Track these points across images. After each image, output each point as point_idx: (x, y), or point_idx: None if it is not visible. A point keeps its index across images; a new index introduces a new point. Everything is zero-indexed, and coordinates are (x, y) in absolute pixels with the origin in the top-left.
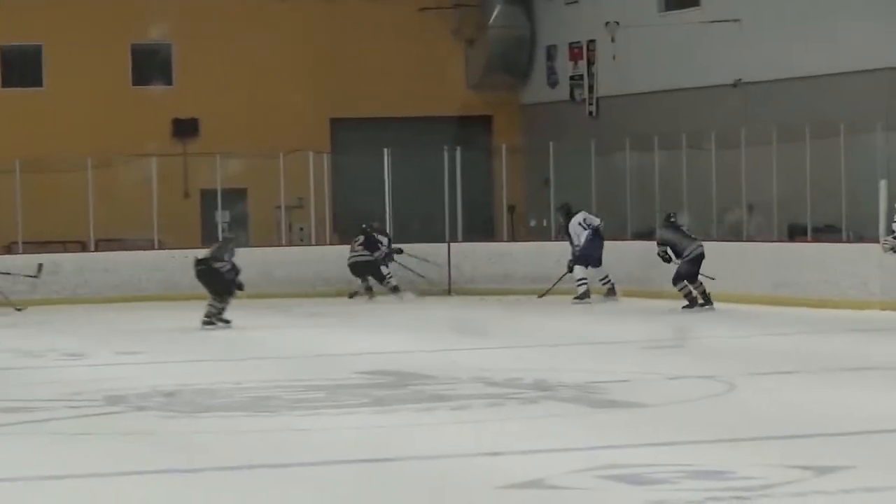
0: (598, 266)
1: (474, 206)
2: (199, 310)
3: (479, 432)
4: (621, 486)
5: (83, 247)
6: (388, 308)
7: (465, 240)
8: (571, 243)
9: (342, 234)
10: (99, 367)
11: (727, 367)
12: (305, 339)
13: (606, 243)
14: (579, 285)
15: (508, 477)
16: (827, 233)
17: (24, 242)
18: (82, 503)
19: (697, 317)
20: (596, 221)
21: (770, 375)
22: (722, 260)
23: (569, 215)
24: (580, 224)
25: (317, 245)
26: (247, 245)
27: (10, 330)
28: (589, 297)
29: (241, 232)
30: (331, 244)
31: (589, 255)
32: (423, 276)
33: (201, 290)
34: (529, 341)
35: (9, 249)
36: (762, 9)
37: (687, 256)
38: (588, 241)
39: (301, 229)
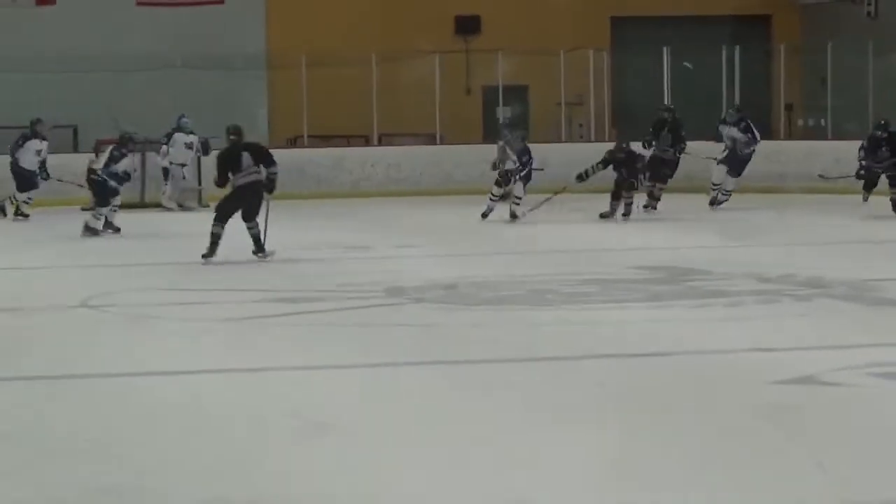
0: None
1: (750, 105)
2: (476, 205)
3: (752, 328)
4: (894, 385)
5: (366, 141)
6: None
7: None
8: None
9: (621, 132)
10: (380, 259)
11: None
12: (576, 235)
13: None
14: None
15: (778, 373)
16: None
17: (308, 136)
18: (362, 390)
19: None
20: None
21: None
22: None
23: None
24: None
25: (596, 142)
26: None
27: (296, 221)
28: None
29: (522, 128)
30: (609, 141)
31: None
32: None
33: (480, 184)
34: (801, 239)
35: (294, 143)
36: None
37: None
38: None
39: (580, 126)
